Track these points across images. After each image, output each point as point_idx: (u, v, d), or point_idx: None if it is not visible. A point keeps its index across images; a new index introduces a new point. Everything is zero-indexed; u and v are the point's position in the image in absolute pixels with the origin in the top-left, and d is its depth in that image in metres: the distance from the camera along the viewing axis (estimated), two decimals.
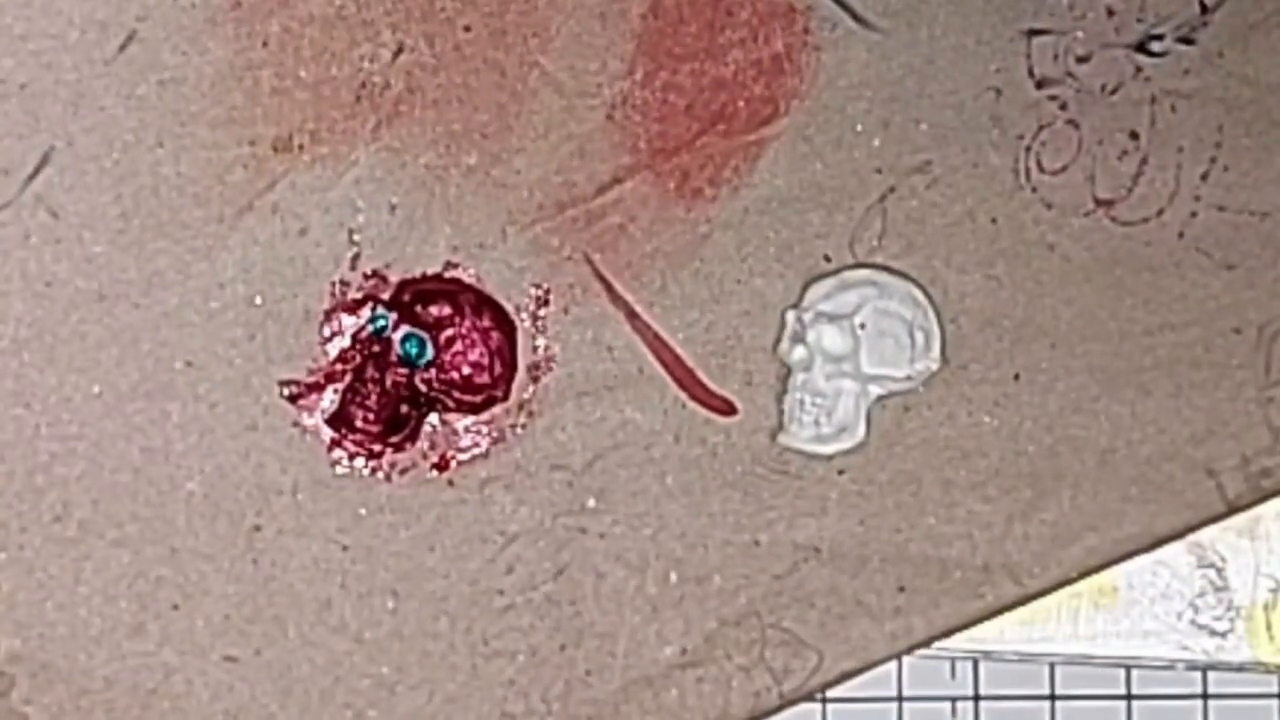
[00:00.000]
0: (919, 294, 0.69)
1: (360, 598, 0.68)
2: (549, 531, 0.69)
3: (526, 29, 0.69)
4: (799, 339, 0.69)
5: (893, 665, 0.72)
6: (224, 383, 0.68)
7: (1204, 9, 0.70)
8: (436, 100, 0.69)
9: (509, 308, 0.69)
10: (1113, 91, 0.70)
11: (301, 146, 0.68)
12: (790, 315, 0.69)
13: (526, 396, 0.69)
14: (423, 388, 0.69)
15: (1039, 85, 0.70)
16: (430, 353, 0.69)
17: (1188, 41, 0.70)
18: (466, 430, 0.69)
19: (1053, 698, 0.74)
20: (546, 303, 0.69)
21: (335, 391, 0.68)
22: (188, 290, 0.68)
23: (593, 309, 0.69)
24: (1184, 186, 0.70)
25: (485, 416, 0.69)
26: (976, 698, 0.74)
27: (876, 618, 0.70)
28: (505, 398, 0.69)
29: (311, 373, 0.68)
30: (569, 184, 0.69)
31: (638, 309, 0.69)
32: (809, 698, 0.70)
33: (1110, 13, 0.70)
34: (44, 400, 0.68)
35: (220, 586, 0.68)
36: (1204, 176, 0.70)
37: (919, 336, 0.69)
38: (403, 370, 0.68)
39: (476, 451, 0.69)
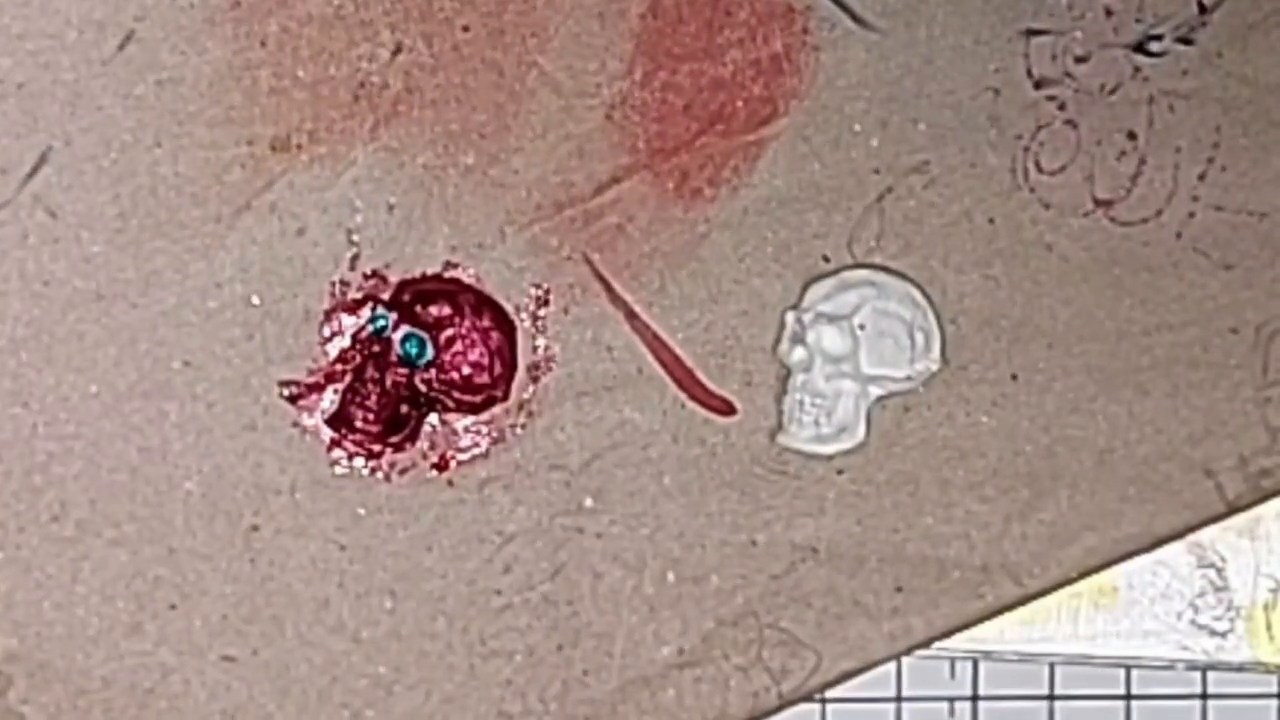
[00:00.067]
0: (918, 294, 0.69)
1: (358, 598, 0.68)
2: (547, 531, 0.69)
3: (525, 29, 0.69)
4: (798, 339, 0.69)
5: (892, 665, 0.72)
6: (222, 383, 0.68)
7: (1202, 9, 0.70)
8: (435, 100, 0.69)
9: (509, 308, 0.69)
10: (1111, 92, 0.70)
11: (300, 146, 0.68)
12: (790, 316, 0.69)
13: (526, 396, 0.69)
14: (422, 388, 0.69)
15: (1037, 85, 0.70)
16: (430, 353, 0.68)
17: (1186, 42, 0.70)
18: (466, 430, 0.69)
19: (1052, 698, 0.74)
20: (546, 303, 0.69)
21: (335, 391, 0.68)
22: (186, 290, 0.68)
23: (592, 309, 0.69)
24: (1182, 187, 0.70)
25: (485, 416, 0.69)
26: (976, 698, 0.74)
27: (875, 618, 0.70)
28: (505, 398, 0.69)
29: (311, 373, 0.68)
30: (568, 184, 0.69)
31: (637, 309, 0.69)
32: (808, 698, 0.70)
33: (1109, 13, 0.70)
34: (42, 400, 0.68)
35: (218, 586, 0.68)
36: (1202, 177, 0.70)
37: (918, 337, 0.69)
38: (402, 370, 0.68)
39: (476, 451, 0.69)
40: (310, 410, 0.68)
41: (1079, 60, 0.70)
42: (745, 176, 0.69)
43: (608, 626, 0.69)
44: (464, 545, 0.69)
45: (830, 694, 0.72)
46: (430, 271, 0.69)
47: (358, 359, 0.68)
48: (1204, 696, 0.74)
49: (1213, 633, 0.71)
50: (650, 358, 0.69)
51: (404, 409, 0.68)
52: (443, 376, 0.69)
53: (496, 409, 0.69)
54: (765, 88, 0.69)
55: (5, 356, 0.67)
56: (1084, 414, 0.70)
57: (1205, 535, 0.71)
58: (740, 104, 0.69)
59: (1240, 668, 0.72)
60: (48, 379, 0.68)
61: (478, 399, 0.69)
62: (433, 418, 0.69)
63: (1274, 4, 0.70)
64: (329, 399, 0.68)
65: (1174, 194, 0.70)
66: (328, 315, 0.68)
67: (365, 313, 0.68)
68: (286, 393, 0.68)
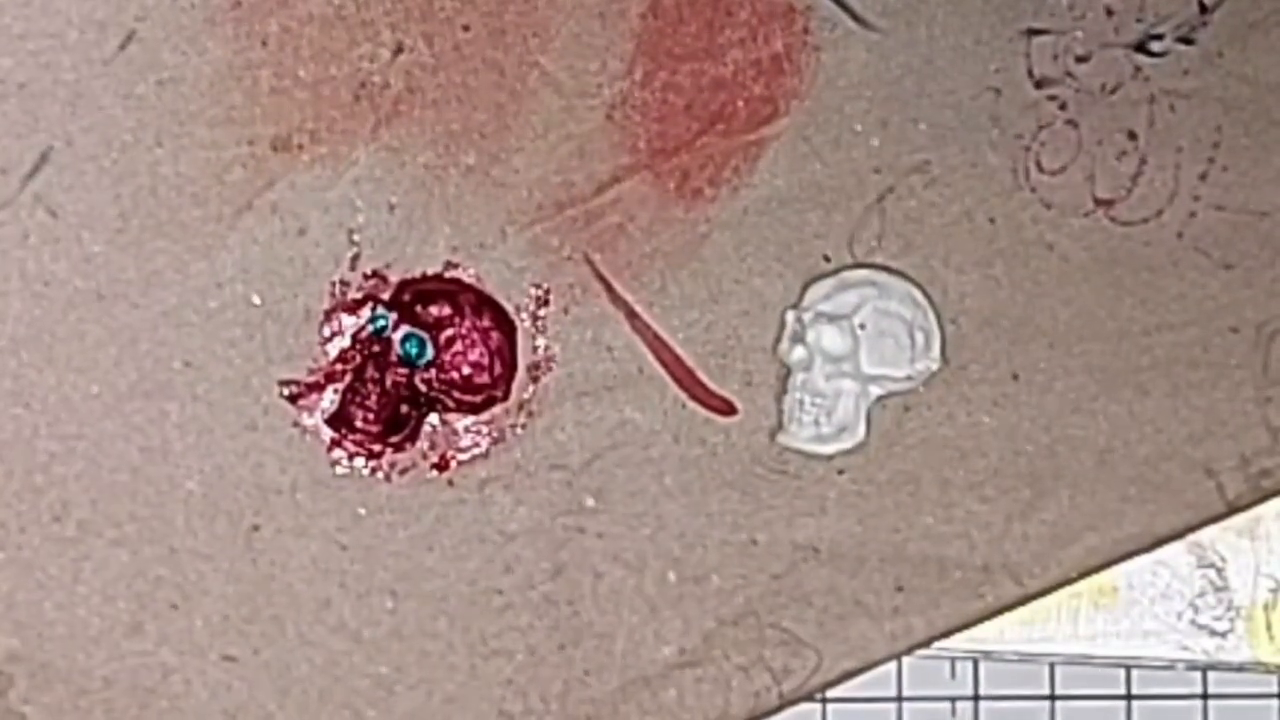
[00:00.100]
0: (918, 294, 0.69)
1: (359, 597, 0.68)
2: (548, 531, 0.69)
3: (526, 29, 0.69)
4: (799, 339, 0.69)
5: (893, 665, 0.72)
6: (223, 382, 0.68)
7: (1203, 9, 0.70)
8: (436, 100, 0.69)
9: (509, 308, 0.69)
10: (1112, 91, 0.70)
11: (301, 146, 0.68)
12: (790, 315, 0.69)
13: (526, 396, 0.69)
14: (423, 388, 0.69)
15: (1038, 85, 0.70)
16: (430, 353, 0.68)
17: (1187, 41, 0.70)
18: (466, 430, 0.69)
19: (1053, 698, 0.74)
20: (546, 303, 0.69)
21: (335, 391, 0.68)
22: (187, 290, 0.68)
23: (593, 309, 0.69)
24: (1183, 186, 0.70)
25: (485, 416, 0.69)
26: (976, 698, 0.74)
27: (875, 618, 0.70)
28: (505, 398, 0.69)
29: (311, 373, 0.68)
30: (568, 184, 0.69)
31: (637, 309, 0.69)
32: (809, 698, 0.70)
33: (1110, 13, 0.70)
34: (43, 400, 0.68)
35: (219, 586, 0.68)
36: (1203, 176, 0.70)
37: (919, 336, 0.69)
38: (403, 370, 0.68)
39: (476, 451, 0.69)
40: (310, 410, 0.68)
41: (1080, 60, 0.70)
42: (746, 176, 0.69)
43: (609, 626, 0.69)
44: (465, 545, 0.69)
45: (831, 694, 0.72)
46: (431, 271, 0.69)
47: (358, 359, 0.68)
48: (1204, 696, 0.74)
49: (1213, 633, 0.71)
50: (651, 357, 0.69)
51: (404, 409, 0.68)
52: (443, 376, 0.69)
53: (497, 409, 0.69)
54: (766, 87, 0.69)
55: (6, 356, 0.67)
56: (1085, 414, 0.70)
57: (1205, 535, 0.71)
58: (741, 104, 0.69)
59: (1240, 668, 0.72)
60: (49, 379, 0.68)
61: (478, 399, 0.69)
62: (433, 418, 0.69)
63: (1274, 4, 0.70)
64: (329, 399, 0.68)
65: (1175, 194, 0.70)
66: (328, 315, 0.68)
67: (365, 313, 0.68)
68: (287, 392, 0.68)
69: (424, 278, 0.69)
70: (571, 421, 0.69)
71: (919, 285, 0.70)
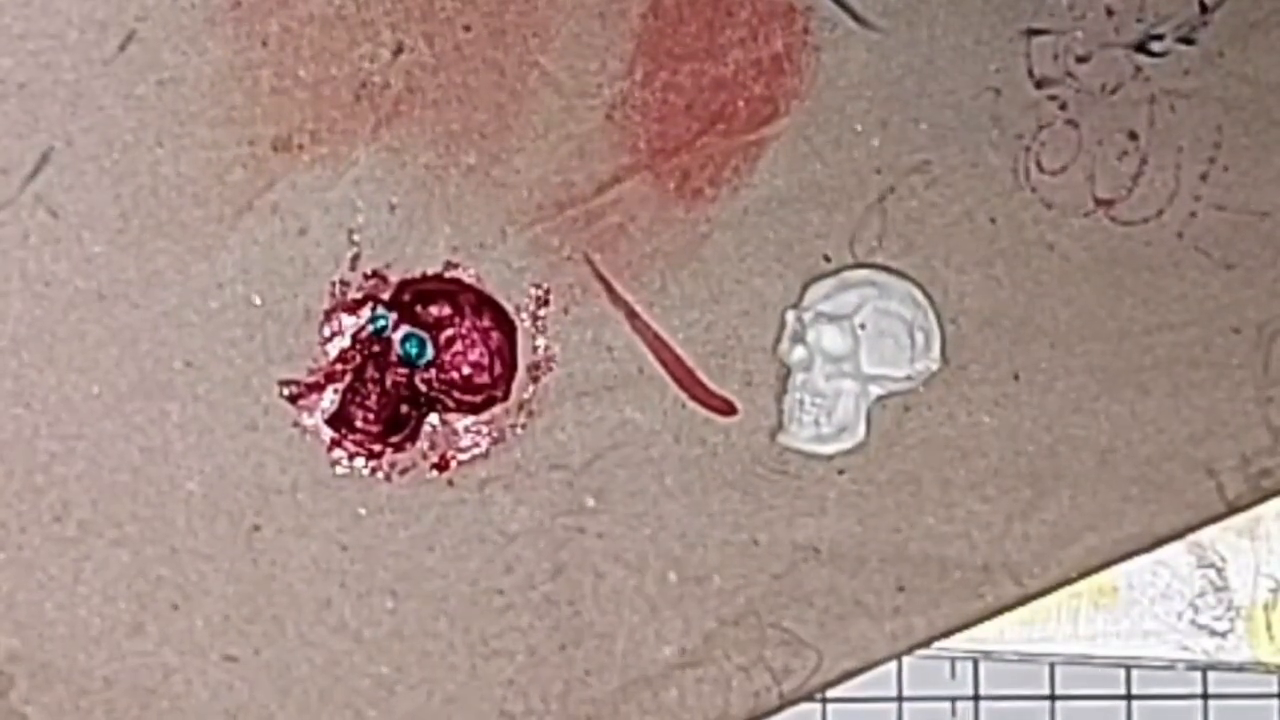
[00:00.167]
0: (919, 294, 0.69)
1: (360, 597, 0.68)
2: (548, 531, 0.69)
3: (526, 29, 0.69)
4: (799, 339, 0.69)
5: (893, 665, 0.72)
6: (224, 383, 0.68)
7: (1204, 9, 0.70)
8: (436, 100, 0.69)
9: (509, 308, 0.69)
10: (1112, 91, 0.70)
11: (301, 146, 0.68)
12: (790, 315, 0.69)
13: (526, 396, 0.69)
14: (423, 388, 0.69)
15: (1038, 85, 0.70)
16: (430, 353, 0.68)
17: (1188, 41, 0.70)
18: (466, 430, 0.69)
19: (1053, 698, 0.74)
20: (546, 303, 0.69)
21: (335, 391, 0.68)
22: (187, 290, 0.68)
23: (593, 309, 0.69)
24: (1183, 186, 0.70)
25: (485, 416, 0.69)
26: (976, 698, 0.74)
27: (876, 617, 0.69)
28: (505, 398, 0.69)
29: (311, 373, 0.68)
30: (568, 184, 0.69)
31: (638, 309, 0.69)
32: (809, 698, 0.70)
33: (1110, 13, 0.70)
34: (43, 400, 0.68)
35: (220, 586, 0.68)
36: (1203, 176, 0.70)
37: (919, 336, 0.69)
38: (403, 370, 0.68)
39: (476, 451, 0.69)
40: (310, 410, 0.68)
41: (1080, 60, 0.70)
42: (746, 176, 0.69)
43: (609, 626, 0.69)
44: (465, 545, 0.69)
45: (831, 694, 0.72)
46: (431, 271, 0.69)
47: (358, 359, 0.68)
48: (1204, 696, 0.74)
49: (1213, 633, 0.71)
50: (651, 357, 0.69)
51: (404, 409, 0.68)
52: (443, 376, 0.69)
53: (497, 409, 0.69)
54: (766, 87, 0.69)
55: (6, 356, 0.68)
56: (1085, 413, 0.70)
57: (1205, 535, 0.71)
58: (741, 104, 0.69)
59: (1240, 668, 0.71)
60: (49, 379, 0.68)
61: (478, 399, 0.69)
62: (433, 418, 0.69)
63: (1275, 4, 0.70)
64: (329, 399, 0.68)
65: (1175, 193, 0.70)
66: (328, 315, 0.68)
67: (365, 313, 0.68)
68: (287, 392, 0.68)
69: (424, 278, 0.69)
70: (571, 421, 0.69)
71: (919, 285, 0.70)
